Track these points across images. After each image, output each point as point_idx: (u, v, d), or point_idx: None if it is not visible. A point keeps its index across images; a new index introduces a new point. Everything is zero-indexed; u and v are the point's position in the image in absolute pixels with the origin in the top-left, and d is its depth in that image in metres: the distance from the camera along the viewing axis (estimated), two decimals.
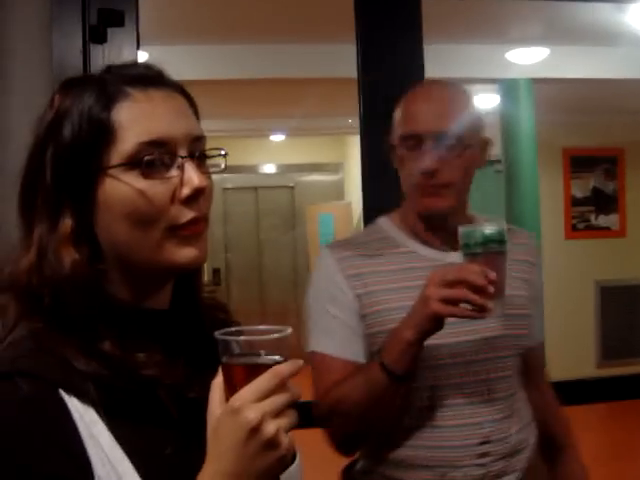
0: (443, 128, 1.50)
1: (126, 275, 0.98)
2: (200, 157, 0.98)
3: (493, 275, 1.31)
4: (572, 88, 5.46)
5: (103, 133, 0.93)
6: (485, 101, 5.78)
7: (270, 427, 0.82)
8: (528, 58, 4.92)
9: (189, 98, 1.03)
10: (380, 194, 2.28)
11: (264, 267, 9.23)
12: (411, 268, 1.56)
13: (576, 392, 2.05)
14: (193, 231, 0.96)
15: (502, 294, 1.36)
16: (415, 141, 1.52)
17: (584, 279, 7.22)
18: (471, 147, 1.54)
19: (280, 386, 0.83)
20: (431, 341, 1.40)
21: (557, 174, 7.46)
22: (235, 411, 0.82)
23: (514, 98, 5.38)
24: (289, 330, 0.87)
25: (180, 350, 0.97)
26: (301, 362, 0.86)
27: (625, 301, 7.49)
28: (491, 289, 1.30)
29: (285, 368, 0.84)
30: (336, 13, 2.61)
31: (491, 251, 1.35)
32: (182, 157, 0.95)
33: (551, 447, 1.72)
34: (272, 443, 0.82)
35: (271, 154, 9.11)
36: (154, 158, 0.93)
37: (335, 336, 1.55)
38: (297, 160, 9.12)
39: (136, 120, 0.94)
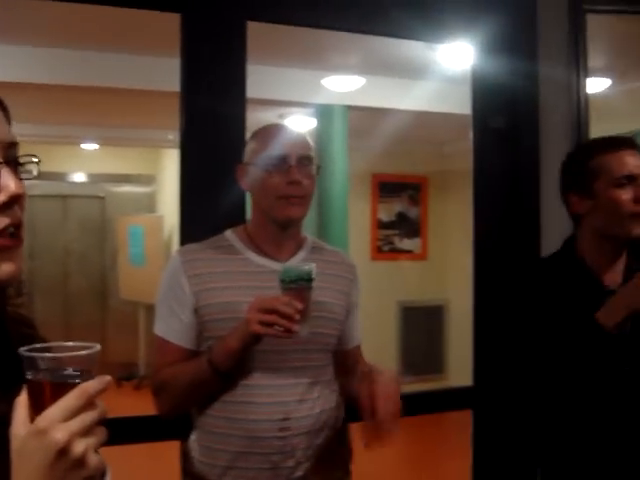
0: (304, 151, 1.90)
1: None
2: (14, 164, 0.96)
3: (300, 306, 1.67)
4: (384, 117, 5.70)
5: None
6: (301, 124, 5.92)
7: (79, 447, 0.80)
8: (344, 86, 5.10)
9: (1, 103, 1.00)
10: (198, 208, 2.28)
11: (71, 278, 8.91)
12: (243, 272, 1.90)
13: None
14: (12, 244, 0.93)
15: (307, 319, 1.70)
16: (282, 161, 1.86)
17: (387, 299, 7.51)
18: (316, 169, 1.93)
19: (88, 404, 0.82)
20: None
21: (365, 198, 7.75)
22: (42, 432, 0.80)
23: (329, 123, 5.55)
24: (97, 347, 0.86)
25: None
26: (109, 378, 0.85)
27: (424, 321, 7.89)
28: (297, 317, 1.66)
29: (93, 385, 0.83)
30: (160, 26, 2.58)
31: (301, 286, 1.70)
32: None
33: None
34: (81, 463, 0.81)
35: (82, 163, 8.82)
36: None
37: (171, 325, 1.89)
38: (108, 170, 8.88)
39: None
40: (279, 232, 1.92)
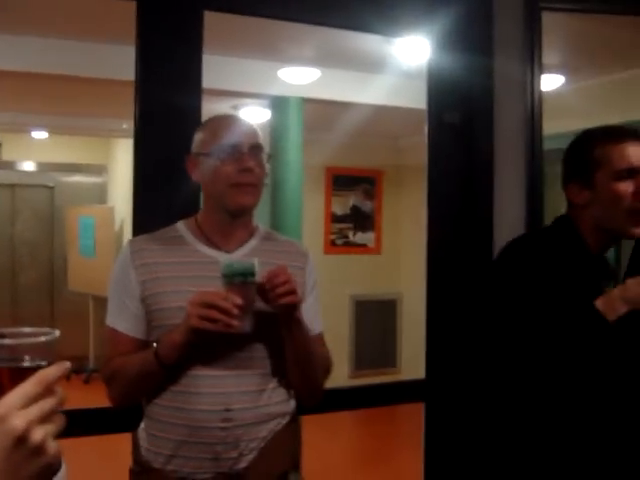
0: (255, 140, 1.92)
1: None
2: None
3: (238, 301, 1.68)
4: (339, 110, 5.71)
5: None
6: (256, 115, 5.90)
7: (37, 434, 0.80)
8: (300, 78, 5.09)
9: None
10: (151, 199, 2.26)
11: (19, 269, 8.76)
12: (191, 262, 1.90)
13: (329, 400, 2.14)
14: None
15: (249, 314, 1.71)
16: (234, 149, 1.88)
17: (340, 293, 7.53)
18: (266, 158, 1.95)
19: (47, 391, 0.81)
20: None
21: (319, 191, 7.74)
22: (0, 419, 0.79)
23: (284, 115, 5.54)
24: (56, 333, 0.85)
25: None
26: (68, 364, 0.84)
27: (377, 315, 7.93)
28: (235, 312, 1.68)
29: (51, 372, 0.82)
30: (116, 13, 2.54)
31: (242, 281, 1.70)
32: None
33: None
34: (39, 450, 0.80)
35: (31, 151, 8.67)
36: None
37: (121, 316, 1.91)
38: (58, 159, 8.75)
39: None
40: (229, 221, 1.93)
